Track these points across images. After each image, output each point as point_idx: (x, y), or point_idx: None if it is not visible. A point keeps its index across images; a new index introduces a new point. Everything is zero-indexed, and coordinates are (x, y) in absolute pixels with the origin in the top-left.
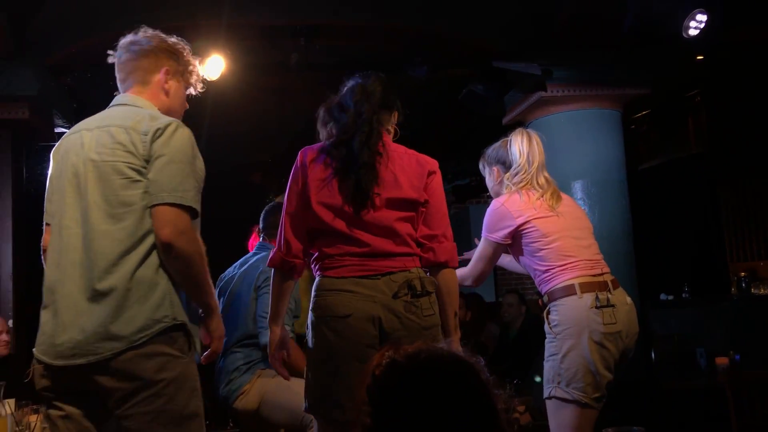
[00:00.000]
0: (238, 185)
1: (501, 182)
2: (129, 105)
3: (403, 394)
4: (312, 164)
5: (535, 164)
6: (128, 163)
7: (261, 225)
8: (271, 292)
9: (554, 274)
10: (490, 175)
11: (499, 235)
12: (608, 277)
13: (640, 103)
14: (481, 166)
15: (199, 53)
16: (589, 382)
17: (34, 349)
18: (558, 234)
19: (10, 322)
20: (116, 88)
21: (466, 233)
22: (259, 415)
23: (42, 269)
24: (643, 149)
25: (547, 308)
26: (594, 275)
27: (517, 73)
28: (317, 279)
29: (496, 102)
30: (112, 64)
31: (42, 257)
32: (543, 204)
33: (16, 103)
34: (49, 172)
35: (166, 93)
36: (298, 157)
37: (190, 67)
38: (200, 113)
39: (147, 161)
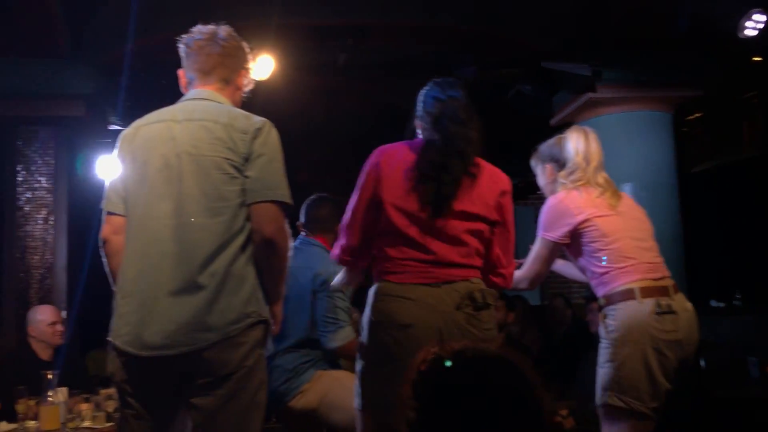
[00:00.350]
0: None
1: (554, 181)
2: (211, 101)
3: (448, 391)
4: (389, 165)
5: (593, 164)
6: (228, 159)
7: (303, 219)
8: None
9: (613, 277)
10: (542, 173)
11: (558, 233)
12: (669, 282)
13: (693, 105)
14: (533, 164)
15: (251, 53)
16: (647, 391)
17: (112, 340)
18: (618, 234)
19: (64, 313)
20: (170, 87)
21: None
22: (317, 415)
23: (98, 261)
24: (695, 152)
25: (604, 312)
26: (655, 279)
27: (566, 74)
28: (378, 283)
29: (545, 103)
30: (165, 65)
31: (103, 248)
32: (603, 202)
33: (74, 101)
34: (121, 159)
35: (240, 92)
36: (374, 157)
37: (251, 69)
38: (250, 112)
39: (245, 159)
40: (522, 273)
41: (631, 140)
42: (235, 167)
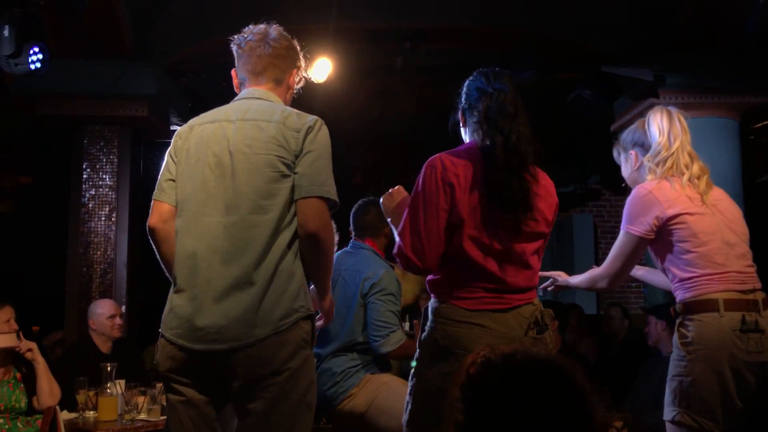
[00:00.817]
0: (339, 186)
1: (640, 167)
2: (264, 100)
3: (497, 394)
4: (459, 186)
5: (677, 143)
6: (281, 157)
7: (352, 225)
8: None
9: (697, 283)
10: (626, 162)
11: (644, 227)
12: (760, 296)
13: (760, 112)
14: (615, 154)
15: (308, 56)
16: (722, 413)
17: (164, 332)
18: (710, 236)
19: (124, 308)
20: (229, 89)
21: (568, 244)
22: (365, 419)
23: (151, 254)
24: (763, 161)
25: (680, 320)
26: (743, 291)
27: (627, 79)
28: (443, 304)
29: (605, 108)
30: (225, 66)
31: (151, 236)
32: (696, 196)
33: (137, 101)
34: (175, 155)
35: (291, 93)
36: (443, 166)
37: (302, 69)
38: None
39: (296, 156)
40: (601, 271)
41: (695, 148)
42: (287, 165)
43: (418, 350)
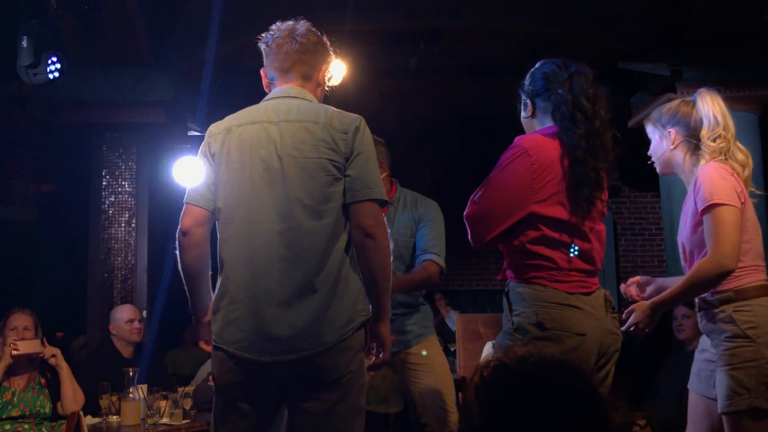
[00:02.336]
0: None
1: (680, 145)
2: (301, 98)
3: (511, 397)
4: (548, 170)
5: (732, 132)
6: (332, 160)
7: None
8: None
9: (746, 272)
10: (663, 139)
11: (736, 201)
12: None
13: None
14: (649, 129)
15: (338, 51)
16: None
17: (223, 345)
18: (755, 228)
19: (144, 313)
20: (245, 94)
21: None
22: (418, 373)
23: (171, 258)
24: None
25: (733, 306)
26: None
27: (644, 74)
28: (541, 287)
29: (622, 104)
30: (242, 72)
31: (182, 239)
32: (746, 190)
33: (155, 108)
34: (210, 157)
35: (321, 89)
36: (526, 148)
37: (334, 66)
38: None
39: (347, 159)
40: (715, 254)
41: None
42: (338, 168)
43: (506, 337)
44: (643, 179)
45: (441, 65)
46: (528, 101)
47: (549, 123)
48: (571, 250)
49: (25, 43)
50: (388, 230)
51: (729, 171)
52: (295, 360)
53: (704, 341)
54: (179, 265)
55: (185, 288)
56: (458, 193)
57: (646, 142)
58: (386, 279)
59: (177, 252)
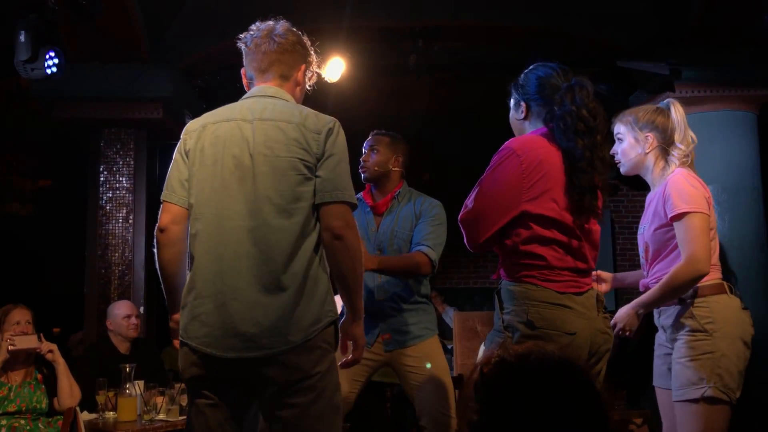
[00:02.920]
0: (353, 185)
1: (653, 151)
2: (278, 98)
3: (511, 394)
4: (539, 169)
5: (693, 145)
6: (303, 160)
7: None
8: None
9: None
10: (638, 142)
11: (705, 208)
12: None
13: None
14: (623, 129)
15: (321, 55)
16: (739, 384)
17: (188, 341)
18: (714, 233)
19: (142, 309)
20: (243, 90)
21: None
22: (416, 374)
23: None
24: None
25: (693, 303)
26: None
27: (643, 73)
28: (532, 287)
29: (621, 103)
30: (240, 68)
31: (159, 237)
32: (710, 196)
33: (152, 103)
34: (185, 153)
35: (300, 89)
36: (514, 149)
37: (313, 65)
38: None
39: (318, 159)
40: (689, 258)
41: (713, 141)
42: (309, 168)
43: (497, 335)
44: (640, 178)
45: (440, 63)
46: (522, 103)
47: (540, 126)
48: (563, 248)
49: (22, 38)
50: (370, 231)
51: (696, 178)
52: (260, 357)
53: (660, 337)
54: (156, 262)
55: (162, 285)
56: (456, 192)
57: None
58: (357, 280)
59: (155, 249)
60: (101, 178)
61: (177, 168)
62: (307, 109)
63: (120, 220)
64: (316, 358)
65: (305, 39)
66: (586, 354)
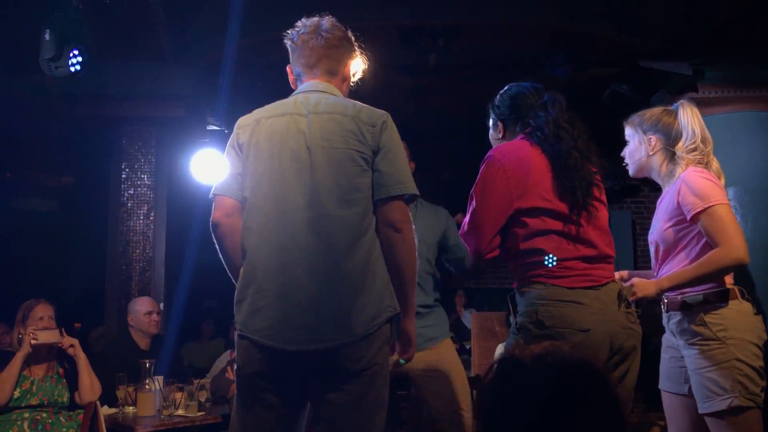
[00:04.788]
0: None
1: (658, 153)
2: (330, 94)
3: (527, 396)
4: (520, 167)
5: (710, 147)
6: (360, 152)
7: None
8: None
9: None
10: (642, 144)
11: (726, 198)
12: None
13: None
14: (629, 132)
15: (363, 48)
16: (763, 387)
17: (248, 333)
18: None
19: (162, 305)
20: (264, 89)
21: None
22: (427, 381)
23: (194, 256)
24: None
25: (702, 310)
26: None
27: (665, 73)
28: (541, 286)
29: (642, 103)
30: (262, 66)
31: (215, 231)
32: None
33: (174, 102)
34: (239, 149)
35: (347, 84)
36: (493, 155)
37: (358, 61)
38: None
39: (374, 152)
40: (728, 245)
41: (735, 142)
42: (365, 159)
43: (511, 337)
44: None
45: (460, 62)
46: (499, 122)
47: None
48: (563, 236)
49: (47, 37)
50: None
51: (709, 173)
52: (321, 349)
53: (667, 339)
54: (221, 256)
55: (229, 274)
56: None
57: None
58: (413, 274)
59: (216, 245)
60: (123, 175)
61: (231, 163)
62: (359, 103)
63: (141, 217)
64: (375, 350)
65: (350, 34)
66: (606, 352)
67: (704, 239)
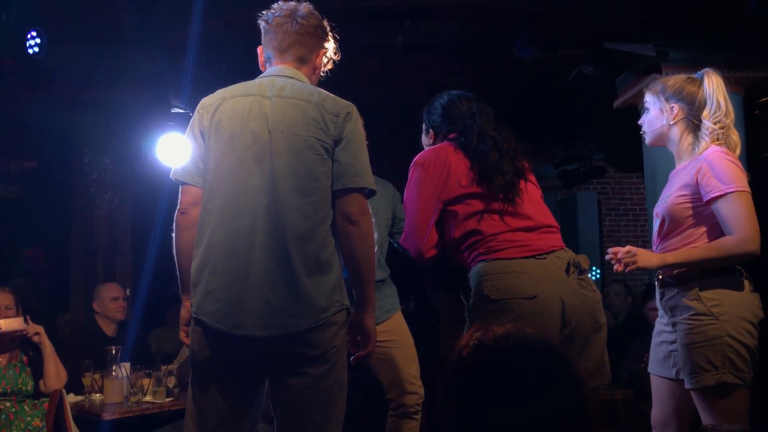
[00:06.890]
0: None
1: (680, 122)
2: (296, 80)
3: (490, 377)
4: (434, 160)
5: (732, 117)
6: (320, 140)
7: None
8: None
9: None
10: (664, 112)
11: (747, 187)
12: None
13: (765, 87)
14: (649, 99)
15: (337, 37)
16: (752, 365)
17: (201, 317)
18: None
19: (128, 291)
20: (229, 71)
21: (572, 222)
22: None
23: (160, 240)
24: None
25: (698, 285)
26: None
27: (630, 55)
28: (481, 263)
29: (607, 85)
30: (227, 48)
31: (178, 219)
32: None
33: (137, 84)
34: (200, 129)
35: (316, 74)
36: (415, 159)
37: (331, 50)
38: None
39: (335, 142)
40: (737, 236)
41: None
42: (326, 149)
43: (468, 319)
44: (628, 160)
45: (428, 44)
46: (430, 129)
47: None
48: (494, 212)
49: (4, 17)
50: (373, 219)
51: (734, 155)
52: (267, 336)
53: (660, 324)
54: (174, 246)
55: (177, 271)
56: None
57: (632, 122)
58: (370, 268)
59: (173, 233)
60: (86, 159)
61: (192, 147)
62: (325, 92)
63: (105, 202)
64: (332, 334)
65: (325, 23)
66: (558, 318)
67: (714, 221)
